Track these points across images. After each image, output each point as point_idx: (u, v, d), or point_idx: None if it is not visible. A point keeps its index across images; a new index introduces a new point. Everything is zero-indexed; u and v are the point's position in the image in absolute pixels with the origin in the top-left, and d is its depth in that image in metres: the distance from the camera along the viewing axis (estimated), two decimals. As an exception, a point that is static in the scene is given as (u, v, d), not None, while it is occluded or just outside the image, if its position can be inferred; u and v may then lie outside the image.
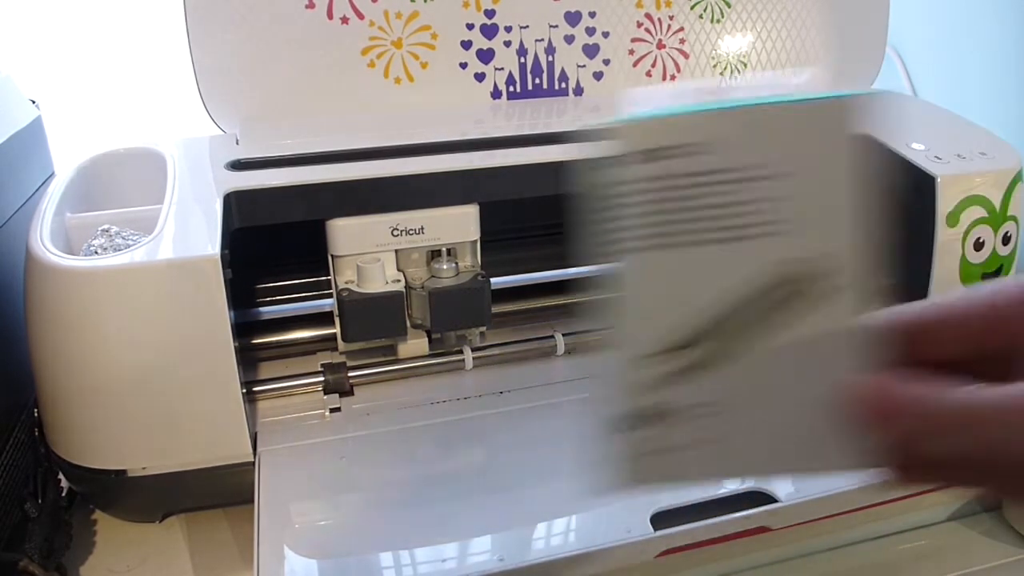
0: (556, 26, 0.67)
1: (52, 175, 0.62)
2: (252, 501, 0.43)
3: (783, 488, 0.43)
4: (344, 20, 0.62)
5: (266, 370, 0.55)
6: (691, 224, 0.23)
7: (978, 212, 0.54)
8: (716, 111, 0.23)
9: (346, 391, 0.53)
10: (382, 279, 0.52)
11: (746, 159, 0.23)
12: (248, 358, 0.55)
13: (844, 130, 0.23)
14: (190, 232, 0.45)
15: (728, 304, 0.23)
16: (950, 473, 0.23)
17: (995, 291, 0.23)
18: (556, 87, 0.68)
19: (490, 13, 0.65)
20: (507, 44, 0.66)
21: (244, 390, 0.46)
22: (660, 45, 0.70)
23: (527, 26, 0.66)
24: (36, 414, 0.50)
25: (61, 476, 0.50)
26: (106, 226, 0.50)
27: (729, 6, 0.70)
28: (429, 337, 0.56)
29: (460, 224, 0.53)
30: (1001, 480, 0.22)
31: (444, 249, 0.53)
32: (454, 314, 0.53)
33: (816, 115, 0.23)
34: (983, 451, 0.20)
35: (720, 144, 0.23)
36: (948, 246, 0.54)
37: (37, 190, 0.58)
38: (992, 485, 0.23)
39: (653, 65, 0.70)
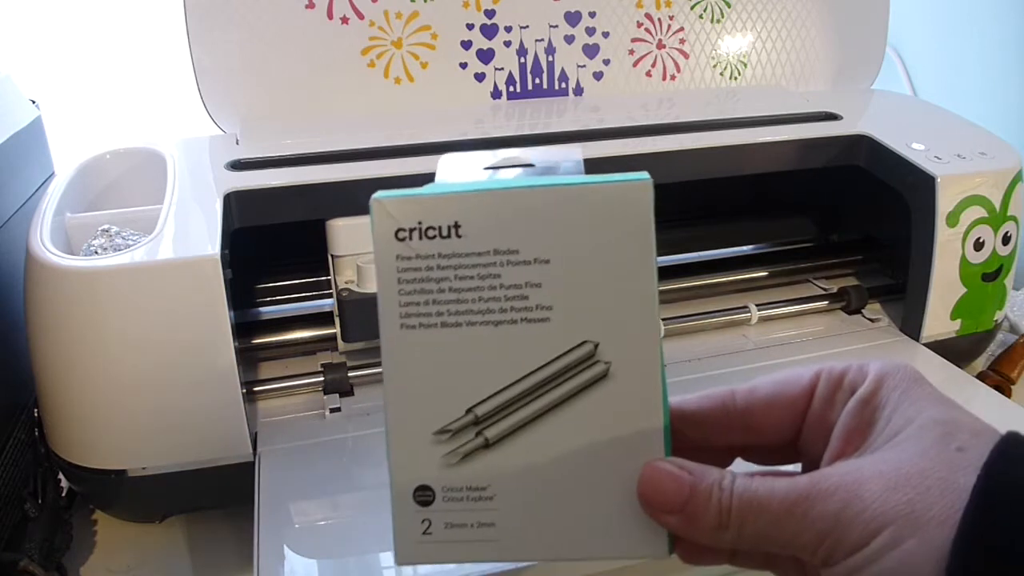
0: (556, 26, 0.67)
1: (52, 175, 0.62)
2: (252, 501, 0.43)
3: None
4: (344, 20, 0.62)
5: (266, 370, 0.55)
6: (456, 305, 0.23)
7: (978, 212, 0.54)
8: (471, 192, 0.23)
9: (346, 391, 0.53)
10: (382, 279, 0.52)
11: (500, 243, 0.22)
12: (248, 358, 0.55)
13: (610, 215, 0.22)
14: (190, 232, 0.45)
15: (503, 386, 0.23)
16: (727, 558, 0.25)
17: (744, 392, 0.25)
18: (556, 87, 0.68)
19: (490, 13, 0.65)
20: (507, 44, 0.66)
21: (244, 390, 0.46)
22: (660, 45, 0.70)
23: (527, 26, 0.66)
24: (36, 414, 0.50)
25: (61, 476, 0.50)
26: (106, 226, 0.50)
27: (729, 6, 0.70)
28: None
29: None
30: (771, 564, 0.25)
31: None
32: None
33: (577, 199, 0.22)
34: (752, 541, 0.22)
35: (474, 227, 0.22)
36: (948, 246, 0.54)
37: (37, 190, 0.58)
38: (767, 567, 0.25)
39: (653, 65, 0.70)
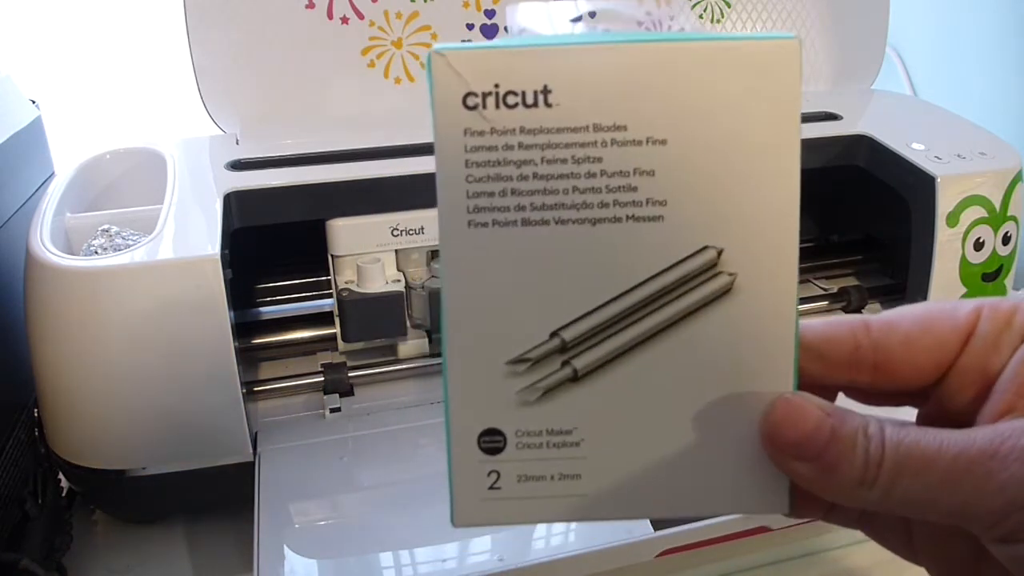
0: (556, 26, 0.67)
1: (52, 175, 0.62)
2: (252, 501, 0.43)
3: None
4: (344, 20, 0.62)
5: (266, 370, 0.55)
6: (543, 197, 0.18)
7: (978, 212, 0.54)
8: (566, 46, 0.17)
9: (346, 391, 0.53)
10: (382, 279, 0.52)
11: (603, 116, 0.17)
12: (248, 358, 0.55)
13: (749, 82, 0.17)
14: (190, 232, 0.45)
15: (599, 303, 0.18)
16: (867, 518, 0.21)
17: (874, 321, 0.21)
18: (556, 87, 0.68)
19: (490, 13, 0.65)
20: (507, 44, 0.66)
21: (244, 390, 0.46)
22: (660, 45, 0.69)
23: (527, 26, 0.66)
24: (36, 414, 0.50)
25: (61, 476, 0.50)
26: (106, 226, 0.50)
27: (729, 6, 0.70)
28: (429, 337, 0.56)
29: (460, 224, 0.52)
30: (916, 534, 0.21)
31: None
32: (454, 314, 0.53)
33: (707, 60, 0.17)
34: (902, 503, 0.18)
35: (570, 93, 0.17)
36: (948, 246, 0.54)
37: (37, 190, 0.58)
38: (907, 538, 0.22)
39: (653, 65, 0.70)
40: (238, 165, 0.53)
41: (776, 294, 0.19)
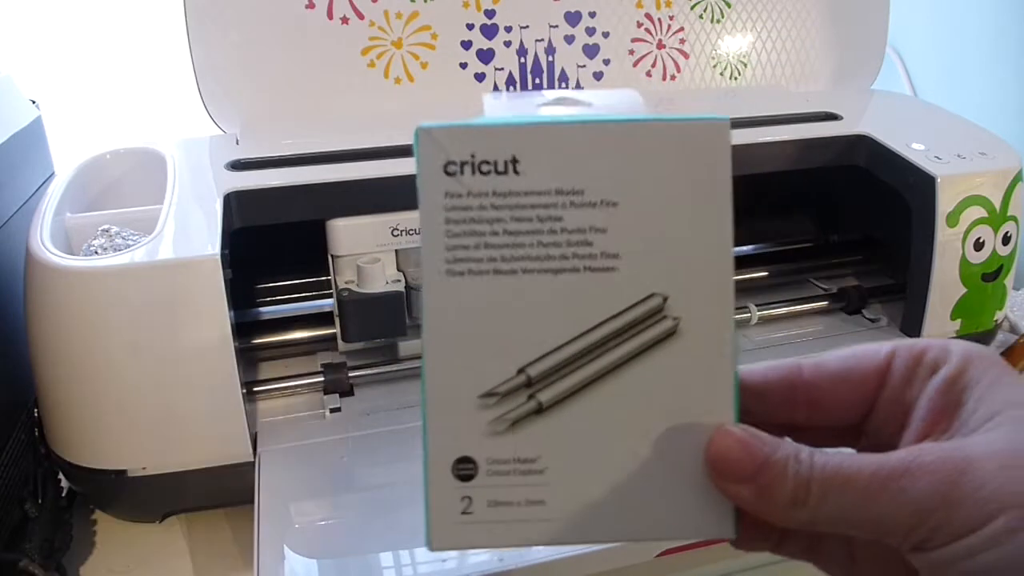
0: (556, 26, 0.67)
1: (52, 175, 0.62)
2: (252, 501, 0.43)
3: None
4: (344, 20, 0.62)
5: (266, 370, 0.55)
6: (511, 250, 0.20)
7: (978, 212, 0.54)
8: (533, 125, 0.20)
9: (346, 391, 0.53)
10: (382, 279, 0.52)
11: (563, 182, 0.20)
12: (248, 358, 0.55)
13: (687, 155, 0.20)
14: (190, 232, 0.45)
15: (560, 343, 0.21)
16: (813, 548, 0.23)
17: (812, 365, 0.23)
18: (556, 87, 0.68)
19: (490, 13, 0.65)
20: (507, 44, 0.66)
21: (244, 390, 0.46)
22: (660, 45, 0.69)
23: (527, 26, 0.66)
24: (36, 414, 0.50)
25: (61, 476, 0.50)
26: (106, 226, 0.50)
27: (729, 6, 0.70)
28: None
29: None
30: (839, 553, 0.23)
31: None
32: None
33: (651, 136, 0.20)
34: (829, 520, 0.20)
35: (535, 163, 0.20)
36: (948, 246, 0.54)
37: (37, 190, 0.58)
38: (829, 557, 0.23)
39: (653, 65, 0.70)
40: (238, 165, 0.53)
41: (714, 335, 0.21)
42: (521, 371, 0.21)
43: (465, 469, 0.21)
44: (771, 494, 0.20)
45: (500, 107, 0.25)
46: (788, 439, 0.21)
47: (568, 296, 0.20)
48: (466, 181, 0.20)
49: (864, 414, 0.23)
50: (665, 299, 0.21)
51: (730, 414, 0.21)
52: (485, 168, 0.20)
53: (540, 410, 0.21)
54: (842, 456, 0.20)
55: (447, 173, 0.20)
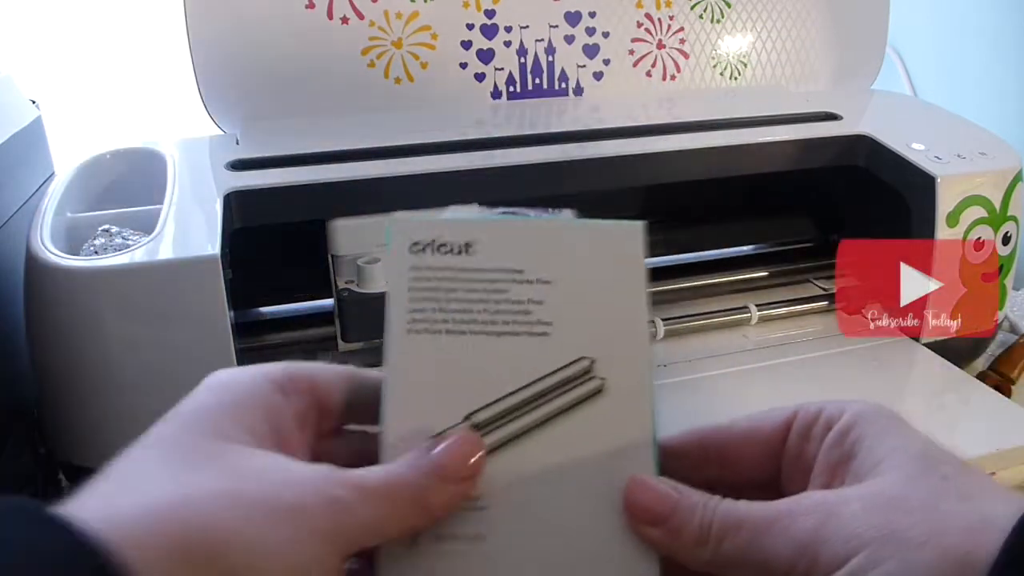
0: (556, 26, 0.67)
1: (52, 175, 0.62)
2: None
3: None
4: (344, 20, 0.62)
5: (266, 370, 0.55)
6: (463, 315, 0.24)
7: (978, 212, 0.54)
8: (484, 220, 0.25)
9: (346, 391, 0.53)
10: (382, 279, 0.52)
11: (507, 263, 0.24)
12: (248, 358, 0.55)
13: (607, 249, 0.24)
14: (190, 232, 0.45)
15: (502, 395, 0.23)
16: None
17: (719, 430, 0.26)
18: (556, 87, 0.68)
19: (490, 13, 0.65)
20: (507, 44, 0.66)
21: (244, 390, 0.46)
22: (660, 45, 0.70)
23: (527, 26, 0.66)
24: (36, 414, 0.50)
25: (61, 476, 0.50)
26: (106, 226, 0.50)
27: (729, 6, 0.70)
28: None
29: (460, 224, 0.53)
30: None
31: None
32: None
33: (580, 232, 0.24)
34: (730, 558, 0.22)
35: (485, 247, 0.24)
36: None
37: (37, 190, 0.58)
38: None
39: (653, 65, 0.70)
40: (238, 165, 0.53)
41: (635, 397, 0.24)
42: (468, 417, 0.23)
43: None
44: (679, 536, 0.23)
45: (462, 211, 0.28)
46: (702, 492, 0.23)
47: (510, 355, 0.24)
48: (427, 259, 0.24)
49: (773, 471, 0.25)
50: (592, 362, 0.24)
51: (649, 464, 0.24)
52: (444, 249, 0.24)
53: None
54: (743, 503, 0.22)
55: (411, 251, 0.24)
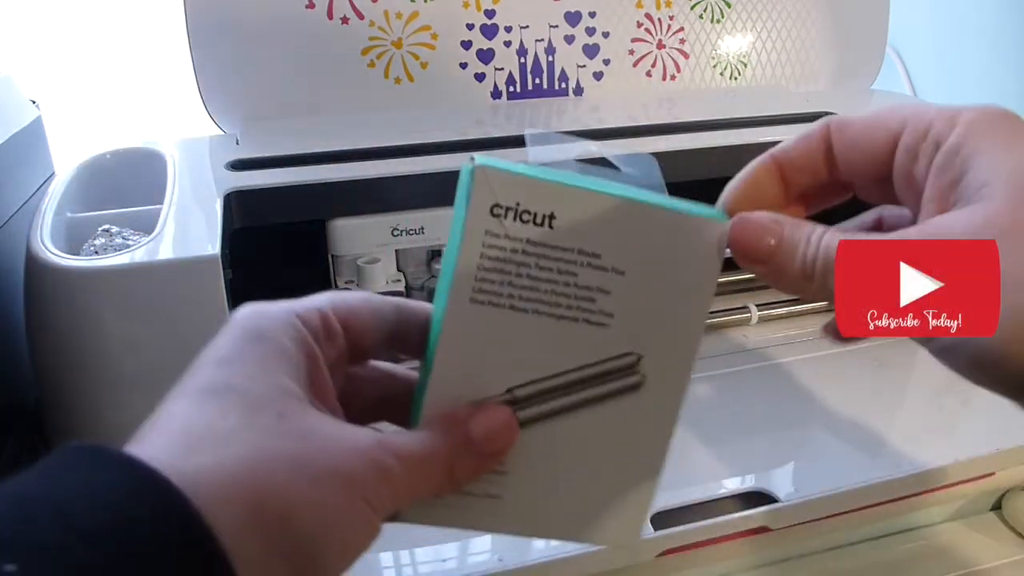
0: (556, 26, 0.67)
1: (52, 175, 0.62)
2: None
3: (783, 488, 0.43)
4: (344, 20, 0.62)
5: (266, 370, 0.55)
6: (529, 292, 0.23)
7: (978, 212, 0.54)
8: (573, 187, 0.23)
9: (346, 391, 0.53)
10: (382, 279, 0.52)
11: (586, 244, 0.23)
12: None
13: (696, 245, 0.23)
14: (190, 232, 0.45)
15: (546, 375, 0.24)
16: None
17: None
18: (556, 87, 0.68)
19: (490, 13, 0.65)
20: (507, 44, 0.66)
21: (244, 390, 0.46)
22: (660, 45, 0.70)
23: (527, 26, 0.66)
24: (36, 414, 0.50)
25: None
26: (106, 226, 0.50)
27: (729, 6, 0.70)
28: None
29: (460, 224, 0.53)
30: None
31: (444, 249, 0.53)
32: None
33: (668, 223, 0.23)
34: None
35: (568, 222, 0.23)
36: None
37: (37, 190, 0.58)
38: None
39: (653, 65, 0.70)
40: (238, 165, 0.53)
41: (669, 399, 0.25)
42: (510, 390, 0.23)
43: None
44: (784, 273, 0.22)
45: (542, 153, 0.27)
46: (808, 223, 0.23)
47: (563, 339, 0.23)
48: (507, 225, 0.22)
49: (884, 179, 0.24)
50: (639, 359, 0.24)
51: (661, 464, 0.25)
52: (525, 217, 0.22)
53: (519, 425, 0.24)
54: (843, 238, 0.21)
55: (492, 214, 0.22)
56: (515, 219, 0.22)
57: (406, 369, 0.26)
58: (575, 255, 0.23)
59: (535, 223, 0.22)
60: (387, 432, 0.22)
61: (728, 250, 0.23)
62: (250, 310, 0.24)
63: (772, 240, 0.22)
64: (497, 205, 0.22)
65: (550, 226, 0.22)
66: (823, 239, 0.22)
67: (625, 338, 0.24)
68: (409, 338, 0.25)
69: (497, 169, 0.22)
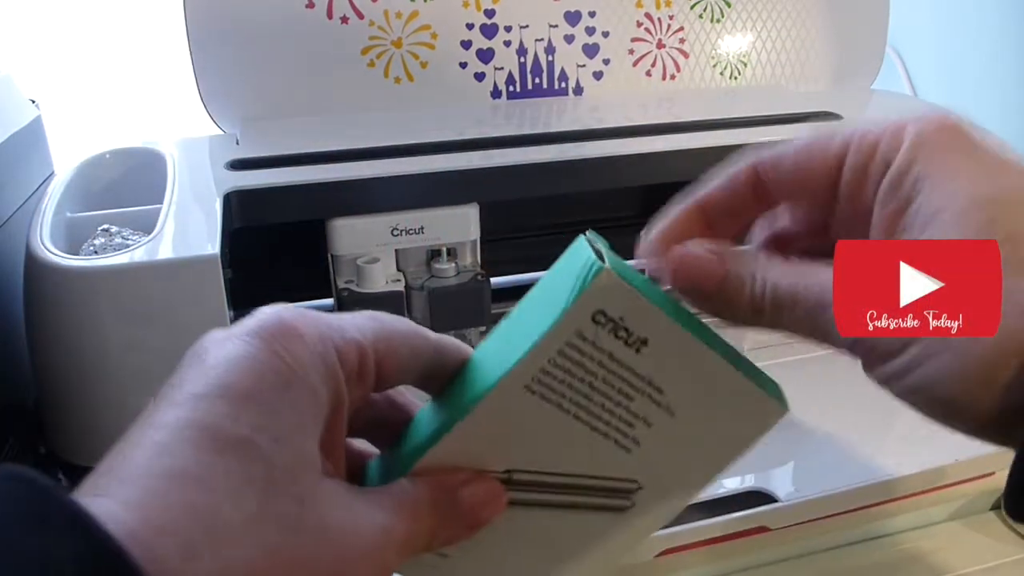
0: (556, 26, 0.67)
1: (52, 175, 0.62)
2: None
3: (783, 488, 0.43)
4: (344, 20, 0.62)
5: (266, 370, 0.55)
6: (580, 398, 0.22)
7: (978, 212, 0.54)
8: (676, 324, 0.22)
9: (346, 391, 0.53)
10: (382, 279, 0.52)
11: (658, 378, 0.22)
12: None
13: (751, 416, 0.23)
14: (190, 232, 0.45)
15: (550, 471, 0.23)
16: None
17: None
18: (556, 87, 0.68)
19: (490, 13, 0.65)
20: (507, 44, 0.66)
21: (244, 390, 0.46)
22: (660, 45, 0.70)
23: (527, 26, 0.66)
24: (36, 414, 0.50)
25: (61, 476, 0.50)
26: (106, 226, 0.50)
27: (729, 6, 0.70)
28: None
29: (460, 224, 0.53)
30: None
31: (444, 249, 0.53)
32: (454, 314, 0.53)
33: (735, 387, 0.23)
34: (799, 329, 0.21)
35: (655, 353, 0.22)
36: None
37: (37, 190, 0.58)
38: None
39: (653, 65, 0.70)
40: (238, 165, 0.53)
41: (643, 532, 0.25)
42: (508, 471, 0.23)
43: None
44: (732, 308, 0.22)
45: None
46: (745, 255, 0.22)
47: (583, 447, 0.23)
48: (600, 335, 0.21)
49: (827, 204, 0.22)
50: (639, 488, 0.24)
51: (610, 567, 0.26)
52: (620, 334, 0.21)
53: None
54: (791, 269, 0.21)
55: (593, 320, 0.21)
56: (610, 332, 0.21)
57: (405, 397, 0.25)
58: (643, 384, 0.22)
59: (626, 343, 0.21)
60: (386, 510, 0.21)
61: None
62: (280, 323, 0.20)
63: (716, 278, 0.22)
64: (602, 313, 0.21)
65: (637, 351, 0.22)
66: (769, 275, 0.21)
67: (638, 467, 0.23)
68: (437, 379, 0.24)
69: (622, 280, 0.21)
